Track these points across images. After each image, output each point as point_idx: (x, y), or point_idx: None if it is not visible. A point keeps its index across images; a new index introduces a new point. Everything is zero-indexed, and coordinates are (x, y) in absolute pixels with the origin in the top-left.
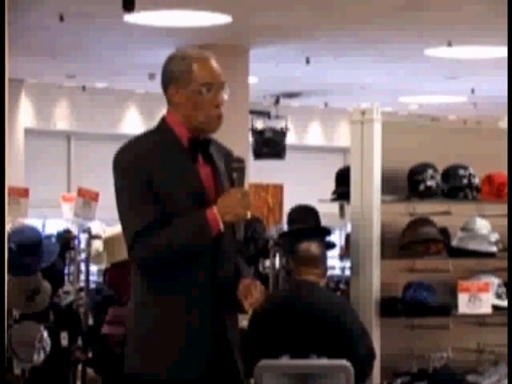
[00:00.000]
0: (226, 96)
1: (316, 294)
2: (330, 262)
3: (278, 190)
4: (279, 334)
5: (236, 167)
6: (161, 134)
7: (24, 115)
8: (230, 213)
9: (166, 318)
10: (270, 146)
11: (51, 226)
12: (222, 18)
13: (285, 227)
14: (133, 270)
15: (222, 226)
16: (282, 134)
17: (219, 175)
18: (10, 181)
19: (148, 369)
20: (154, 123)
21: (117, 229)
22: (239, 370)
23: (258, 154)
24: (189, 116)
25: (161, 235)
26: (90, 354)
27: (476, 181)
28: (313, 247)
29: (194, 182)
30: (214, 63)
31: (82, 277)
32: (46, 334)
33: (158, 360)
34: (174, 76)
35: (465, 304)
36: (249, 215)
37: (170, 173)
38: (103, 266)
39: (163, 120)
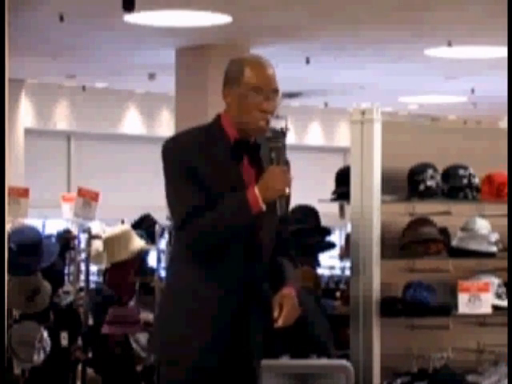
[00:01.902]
0: (276, 104)
1: None
2: (330, 262)
3: None
4: None
5: (273, 146)
6: (211, 130)
7: (24, 115)
8: (270, 189)
9: (190, 307)
10: None
11: (51, 226)
12: (222, 18)
13: None
14: (175, 253)
15: (262, 205)
16: (282, 133)
17: None
18: (10, 181)
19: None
20: (154, 123)
21: (117, 229)
22: (255, 374)
23: None
24: (236, 117)
25: (206, 216)
26: (90, 354)
27: (476, 181)
28: None
29: (234, 179)
30: (267, 69)
31: (82, 277)
32: (45, 334)
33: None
34: (227, 77)
35: (465, 304)
36: (287, 191)
37: (213, 168)
38: (103, 266)
39: (218, 117)
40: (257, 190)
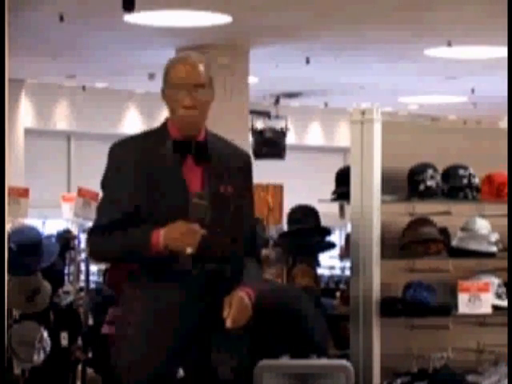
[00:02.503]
0: (204, 97)
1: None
2: (330, 262)
3: (278, 190)
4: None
5: (196, 203)
6: (158, 132)
7: (24, 115)
8: (172, 241)
9: (145, 311)
10: (270, 146)
11: (51, 226)
12: (222, 18)
13: (285, 227)
14: None
15: (162, 248)
16: (282, 134)
17: (212, 176)
18: (10, 181)
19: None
20: (153, 123)
21: None
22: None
23: (258, 154)
24: (172, 117)
25: (110, 237)
26: (90, 354)
27: (476, 181)
28: (264, 251)
29: (174, 179)
30: (187, 64)
31: (82, 277)
32: (45, 334)
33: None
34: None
35: (465, 304)
36: (189, 251)
37: (155, 170)
38: (103, 266)
39: (166, 120)
40: (161, 234)
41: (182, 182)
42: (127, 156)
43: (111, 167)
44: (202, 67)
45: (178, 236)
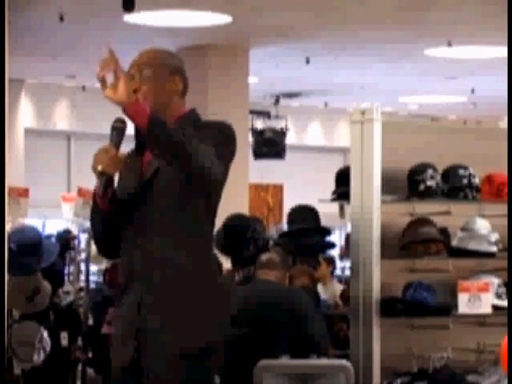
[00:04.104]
0: (142, 76)
1: (267, 287)
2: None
3: (278, 190)
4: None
5: (114, 126)
6: None
7: (24, 115)
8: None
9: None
10: (270, 145)
11: (51, 226)
12: (222, 18)
13: (285, 227)
14: None
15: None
16: (282, 133)
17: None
18: (10, 181)
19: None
20: None
21: None
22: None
23: (258, 154)
24: None
25: None
26: (90, 354)
27: (476, 181)
28: (268, 255)
29: (133, 171)
30: (141, 54)
31: (82, 277)
32: (45, 334)
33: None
34: None
35: (465, 304)
36: (99, 168)
37: (125, 163)
38: (103, 266)
39: None
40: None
41: (137, 172)
42: None
43: None
44: (149, 51)
45: (94, 157)
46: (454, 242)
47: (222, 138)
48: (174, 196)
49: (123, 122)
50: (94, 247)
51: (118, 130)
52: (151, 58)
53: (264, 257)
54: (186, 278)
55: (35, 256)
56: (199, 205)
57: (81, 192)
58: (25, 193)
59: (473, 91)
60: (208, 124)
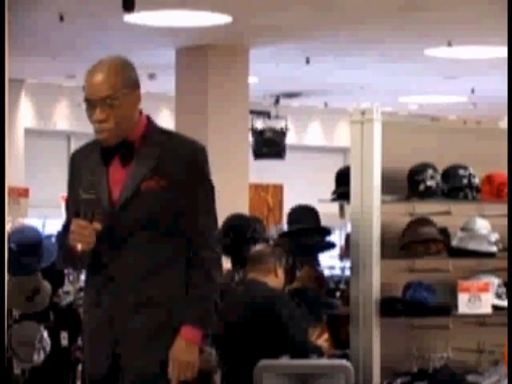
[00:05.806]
0: (116, 105)
1: (252, 287)
2: (330, 262)
3: (278, 190)
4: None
5: (85, 198)
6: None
7: (24, 115)
8: (70, 243)
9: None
10: (270, 145)
11: (51, 226)
12: (222, 18)
13: (285, 227)
14: None
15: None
16: (282, 133)
17: (135, 175)
18: (10, 181)
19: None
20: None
21: None
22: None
23: (258, 154)
24: None
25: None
26: None
27: (476, 181)
28: (257, 247)
29: (97, 182)
30: (93, 77)
31: (82, 277)
32: (45, 334)
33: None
34: None
35: (465, 304)
36: (79, 247)
37: (89, 174)
38: None
39: None
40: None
41: (105, 184)
42: (75, 160)
43: (68, 172)
44: (107, 77)
45: (70, 235)
46: (454, 242)
47: (207, 183)
48: (147, 235)
49: (93, 193)
50: None
51: (89, 201)
52: (112, 86)
53: (254, 250)
54: (153, 309)
55: (35, 256)
56: (177, 242)
57: None
58: (25, 193)
59: (473, 91)
60: (181, 153)
